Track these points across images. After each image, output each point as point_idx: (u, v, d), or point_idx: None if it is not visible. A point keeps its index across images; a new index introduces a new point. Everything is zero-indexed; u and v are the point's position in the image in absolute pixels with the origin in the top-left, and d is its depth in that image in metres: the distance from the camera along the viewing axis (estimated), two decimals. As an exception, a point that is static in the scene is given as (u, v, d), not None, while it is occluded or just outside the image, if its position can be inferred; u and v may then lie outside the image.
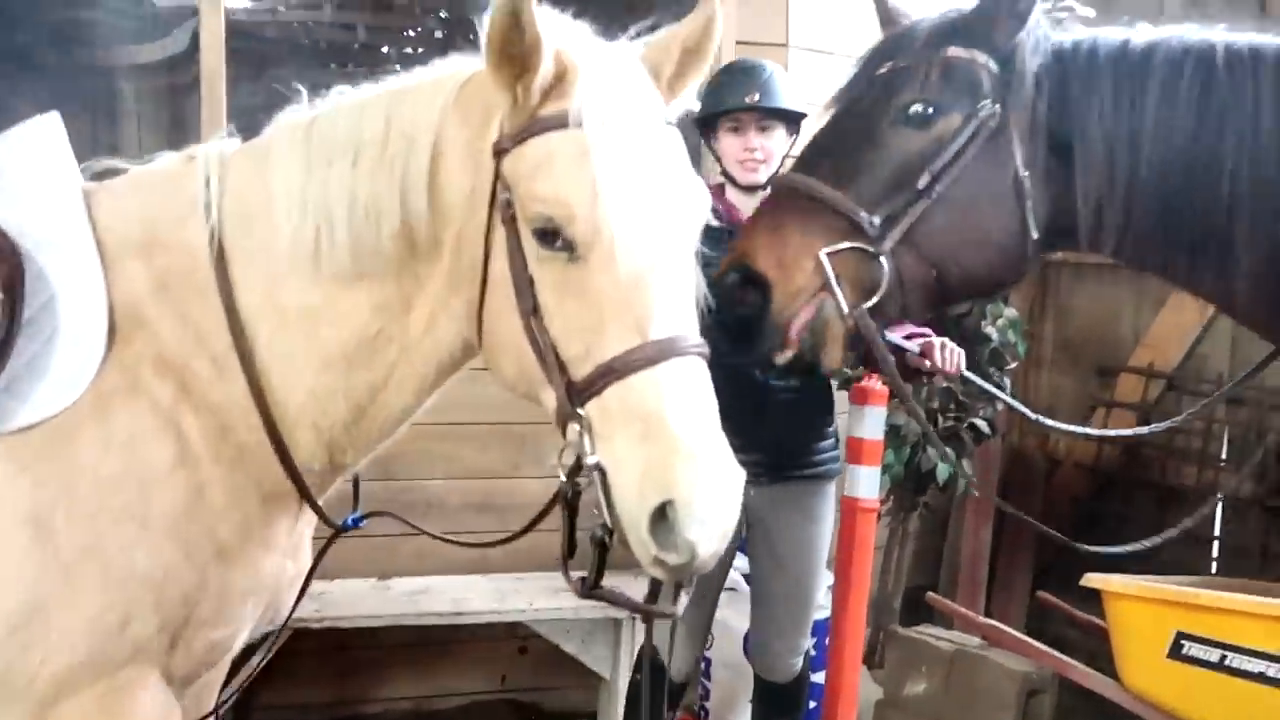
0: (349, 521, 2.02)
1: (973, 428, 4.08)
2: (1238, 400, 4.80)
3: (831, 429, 3.29)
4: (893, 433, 4.05)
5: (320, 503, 1.91)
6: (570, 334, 1.48)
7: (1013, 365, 3.95)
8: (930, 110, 1.96)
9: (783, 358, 1.99)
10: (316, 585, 4.44)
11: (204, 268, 1.74)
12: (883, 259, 1.93)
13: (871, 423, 3.48)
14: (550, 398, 1.52)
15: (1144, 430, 3.07)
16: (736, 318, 1.96)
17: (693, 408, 1.41)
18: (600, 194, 1.47)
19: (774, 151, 2.93)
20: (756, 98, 2.85)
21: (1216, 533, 4.95)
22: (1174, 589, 3.29)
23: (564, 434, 1.49)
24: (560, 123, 1.52)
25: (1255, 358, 2.20)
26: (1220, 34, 1.97)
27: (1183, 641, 3.20)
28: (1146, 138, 1.93)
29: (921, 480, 4.08)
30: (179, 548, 1.66)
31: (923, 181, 1.93)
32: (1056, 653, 3.76)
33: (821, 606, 4.01)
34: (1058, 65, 2.00)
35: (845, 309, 1.93)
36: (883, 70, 2.04)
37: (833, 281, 1.91)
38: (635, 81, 1.59)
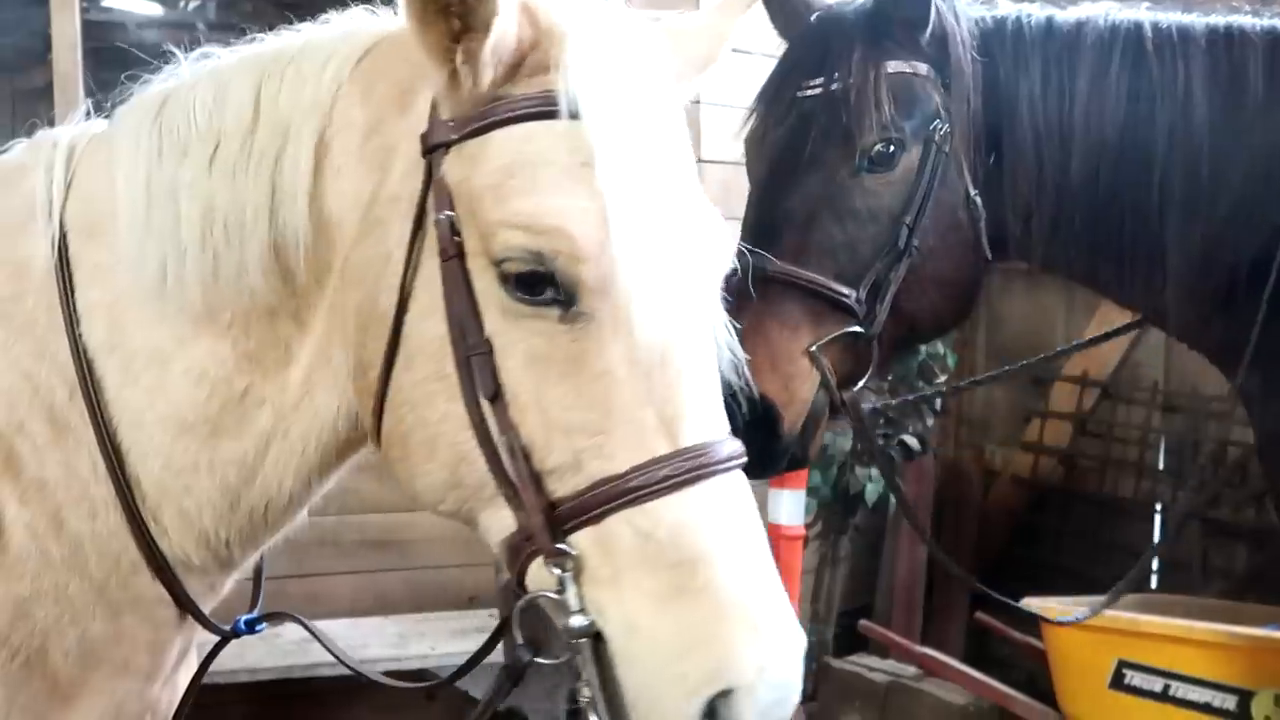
0: (241, 625, 1.57)
1: (902, 444, 3.88)
2: (1173, 409, 4.69)
3: None
4: (819, 453, 3.83)
5: (212, 603, 1.44)
6: (553, 433, 1.05)
7: (942, 378, 3.77)
8: (891, 149, 1.73)
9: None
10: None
11: (40, 291, 1.31)
12: (874, 341, 1.74)
13: (794, 444, 3.26)
14: (500, 521, 1.09)
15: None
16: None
17: (748, 550, 1.03)
18: (614, 223, 1.02)
19: None
20: None
21: (1154, 545, 4.82)
22: (1113, 616, 3.11)
23: (520, 580, 1.07)
24: (542, 108, 1.06)
25: (1188, 364, 2.03)
26: (1145, 13, 1.83)
27: (1125, 670, 3.04)
28: (1076, 132, 1.78)
29: (850, 502, 3.87)
30: None
31: (901, 240, 1.73)
32: (996, 683, 3.60)
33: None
34: (985, 52, 1.82)
35: (839, 399, 1.74)
36: (811, 90, 1.77)
37: (830, 380, 1.70)
38: (651, 60, 1.13)
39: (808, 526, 4.01)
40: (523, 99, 1.08)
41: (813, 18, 1.88)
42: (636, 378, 1.05)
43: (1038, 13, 1.85)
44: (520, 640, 1.10)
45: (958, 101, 1.76)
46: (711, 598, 1.00)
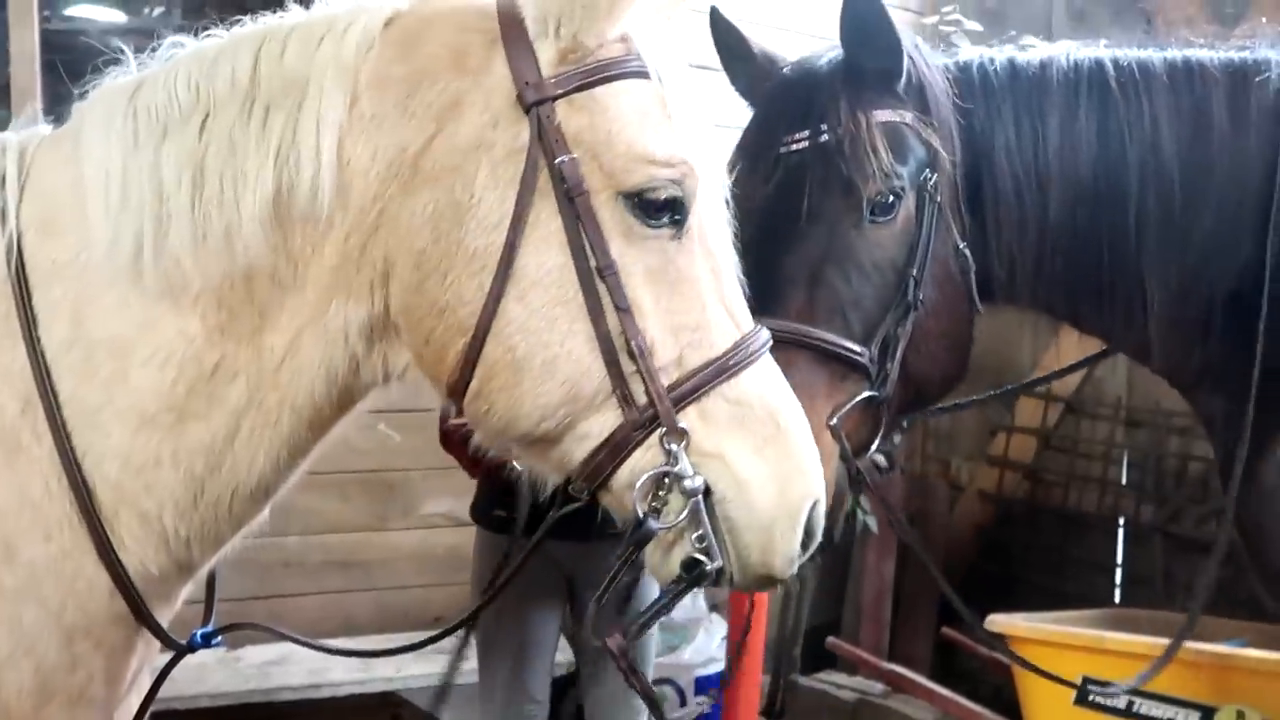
0: (198, 639, 1.54)
1: (872, 464, 3.88)
2: (1136, 424, 4.74)
3: None
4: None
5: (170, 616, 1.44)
6: (666, 333, 1.24)
7: (963, 401, 3.76)
8: (890, 199, 1.69)
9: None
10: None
11: None
12: (884, 402, 1.67)
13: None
14: (603, 424, 1.24)
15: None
16: None
17: (792, 400, 1.31)
18: (700, 157, 1.27)
19: None
20: None
21: (1118, 560, 4.87)
22: (1079, 633, 3.13)
23: (615, 466, 1.25)
24: (635, 69, 1.27)
25: (1151, 380, 2.05)
26: (1104, 50, 1.84)
27: (1090, 687, 3.04)
28: (1053, 175, 1.78)
29: (818, 519, 3.86)
30: None
31: (910, 292, 1.68)
32: (962, 700, 3.61)
33: (714, 659, 3.79)
34: (957, 95, 1.81)
35: (855, 470, 1.67)
36: (797, 144, 1.72)
37: (849, 453, 1.63)
38: (678, 32, 1.37)
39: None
40: (619, 61, 1.26)
41: (785, 69, 1.84)
42: (712, 279, 1.28)
43: (999, 56, 1.84)
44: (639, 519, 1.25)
45: (941, 150, 1.74)
46: (787, 441, 1.26)
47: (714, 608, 4.07)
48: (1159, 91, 1.76)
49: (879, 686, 3.90)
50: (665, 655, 3.75)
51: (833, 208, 1.68)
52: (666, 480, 1.23)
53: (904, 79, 1.75)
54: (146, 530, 1.33)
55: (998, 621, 3.29)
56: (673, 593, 1.29)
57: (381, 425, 3.79)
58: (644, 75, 1.27)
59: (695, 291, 1.27)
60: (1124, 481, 4.81)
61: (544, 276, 1.23)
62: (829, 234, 1.68)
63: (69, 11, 6.48)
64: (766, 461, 1.25)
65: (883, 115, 1.72)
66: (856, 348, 1.64)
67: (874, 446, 1.69)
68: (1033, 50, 1.86)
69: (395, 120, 1.26)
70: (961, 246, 1.75)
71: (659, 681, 3.74)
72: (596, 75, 1.25)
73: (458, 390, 1.29)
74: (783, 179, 1.70)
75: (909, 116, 1.74)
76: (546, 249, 1.23)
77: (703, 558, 1.24)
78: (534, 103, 1.23)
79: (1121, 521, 4.81)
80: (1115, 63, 1.79)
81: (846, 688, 3.93)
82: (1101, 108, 1.76)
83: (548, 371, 1.23)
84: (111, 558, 1.31)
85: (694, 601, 4.12)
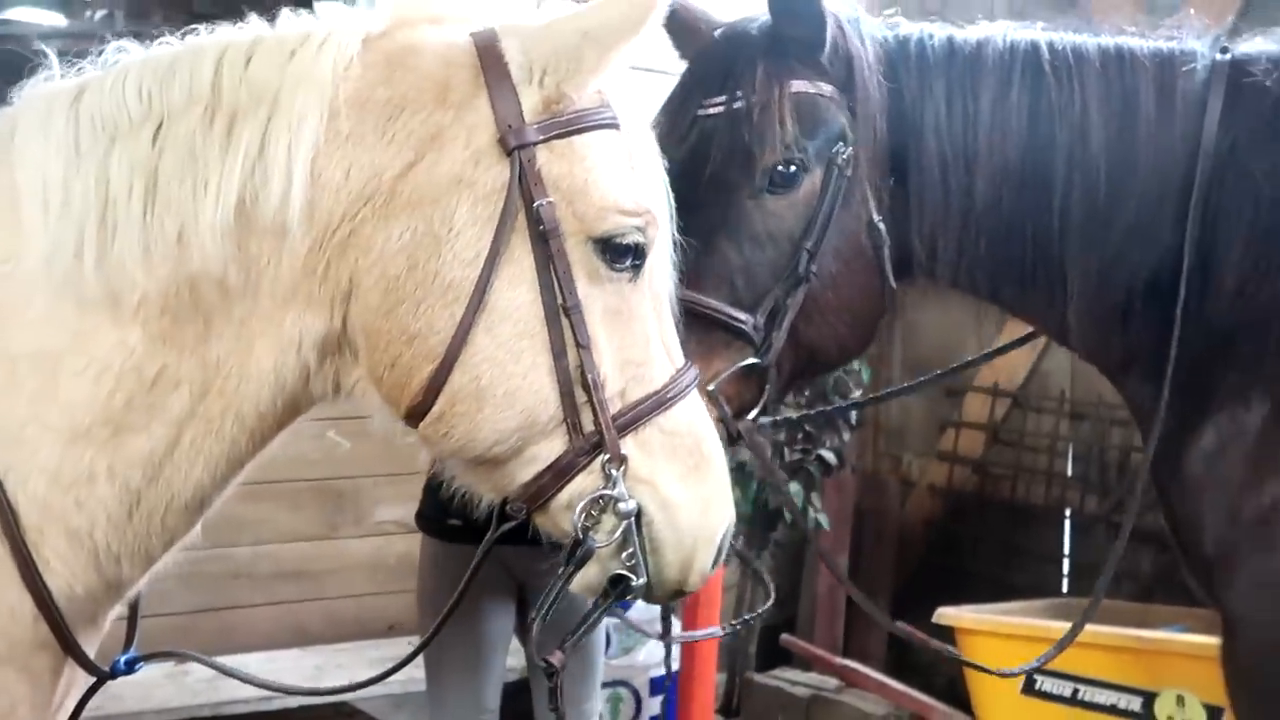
0: (120, 665, 1.50)
1: (820, 460, 3.92)
2: (1080, 416, 4.83)
3: None
4: (738, 470, 3.85)
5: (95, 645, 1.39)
6: (615, 368, 1.33)
7: (857, 393, 3.82)
8: (792, 169, 1.70)
9: None
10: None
11: None
12: (771, 369, 1.72)
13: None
14: (550, 449, 1.32)
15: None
16: None
17: (714, 431, 1.42)
18: (659, 205, 1.36)
19: None
20: None
21: (1066, 551, 4.95)
22: (1024, 623, 3.19)
23: (558, 489, 1.33)
24: (608, 121, 1.33)
25: (1094, 373, 2.09)
26: (1041, 33, 1.83)
27: (1036, 677, 3.10)
28: (980, 155, 1.78)
29: (770, 518, 3.90)
30: None
31: (801, 265, 1.70)
32: (915, 692, 3.65)
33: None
34: (890, 74, 1.80)
35: (735, 431, 1.72)
36: (713, 108, 1.74)
37: (727, 415, 1.68)
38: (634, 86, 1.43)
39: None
40: (594, 111, 1.33)
41: (716, 34, 1.84)
42: (655, 318, 1.37)
43: (939, 32, 1.85)
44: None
45: (863, 124, 1.74)
46: (709, 469, 1.37)
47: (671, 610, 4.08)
48: (1091, 77, 1.76)
49: (833, 682, 3.94)
50: (620, 658, 3.76)
51: (734, 175, 1.70)
52: (602, 502, 1.32)
53: (829, 49, 1.75)
54: (75, 548, 1.30)
55: (946, 614, 3.34)
56: (602, 607, 1.38)
57: (331, 433, 3.75)
58: (615, 126, 1.34)
59: (642, 329, 1.35)
60: (1069, 474, 4.89)
61: (513, 311, 1.28)
62: (727, 201, 1.70)
63: (6, 15, 6.33)
64: (690, 487, 1.36)
65: (798, 85, 1.73)
66: (741, 315, 1.67)
67: (755, 411, 1.73)
68: (972, 29, 1.85)
69: (373, 142, 1.28)
70: (876, 220, 1.75)
71: (614, 684, 3.74)
72: (575, 125, 1.31)
73: (418, 414, 1.32)
74: (695, 143, 1.72)
75: (827, 88, 1.75)
76: (517, 285, 1.29)
77: (629, 574, 1.34)
78: (517, 146, 1.28)
79: (1068, 513, 4.89)
80: (1051, 46, 1.79)
81: (800, 684, 3.96)
82: (1034, 91, 1.76)
83: (509, 400, 1.30)
84: (36, 581, 1.28)
85: (650, 603, 4.13)
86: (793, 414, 3.27)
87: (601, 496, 1.31)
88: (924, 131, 1.77)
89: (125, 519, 1.31)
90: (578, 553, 1.33)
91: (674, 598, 1.42)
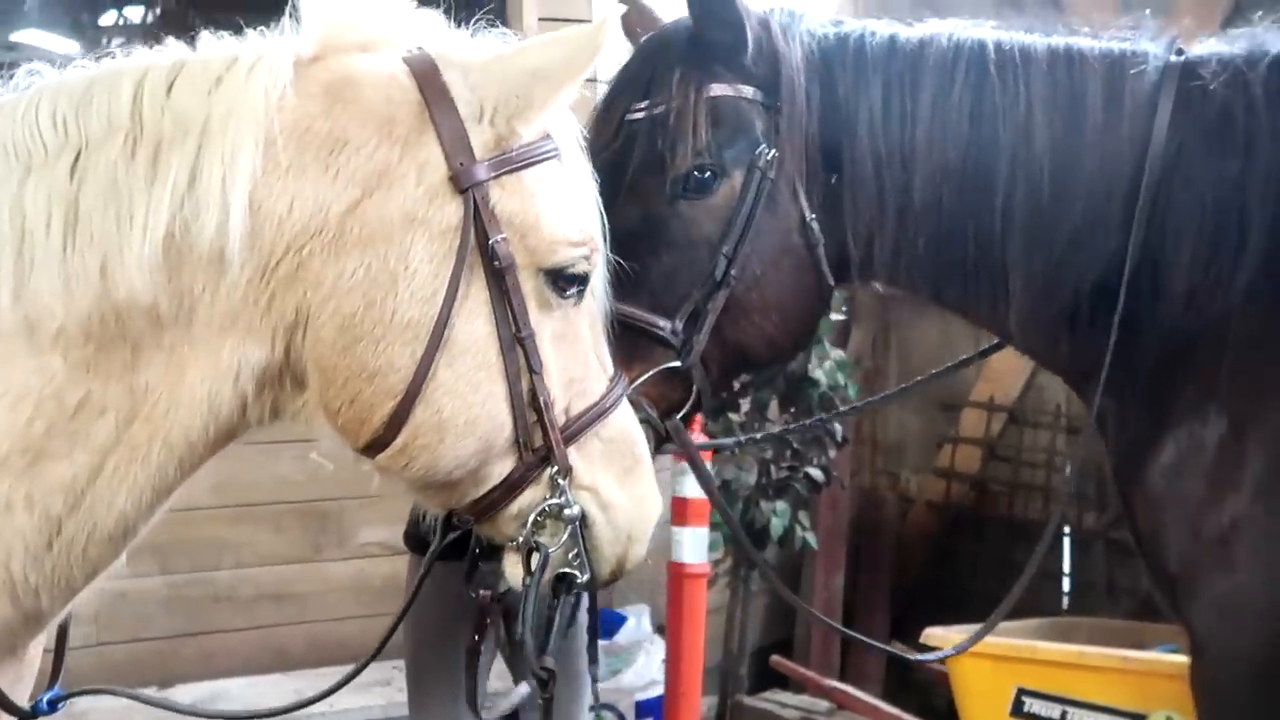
0: (44, 704, 1.44)
1: (808, 477, 3.87)
2: (1077, 430, 4.76)
3: None
4: (723, 488, 3.80)
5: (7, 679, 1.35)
6: (560, 387, 1.39)
7: (843, 409, 3.76)
8: (708, 174, 1.70)
9: None
10: (79, 703, 3.85)
11: None
12: (692, 371, 1.72)
13: (693, 479, 3.21)
14: (503, 466, 1.38)
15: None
16: None
17: (642, 433, 1.52)
18: (598, 233, 1.43)
19: None
20: None
21: (1066, 568, 4.88)
22: (1011, 644, 3.12)
23: (508, 502, 1.40)
24: (552, 155, 1.38)
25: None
26: (989, 31, 1.80)
27: (1024, 698, 3.05)
28: (918, 155, 1.74)
29: (757, 536, 3.84)
30: None
31: (719, 270, 1.69)
32: (907, 716, 3.58)
33: (655, 682, 3.75)
34: (825, 71, 1.77)
35: (664, 430, 1.73)
36: (637, 114, 1.74)
37: (651, 416, 1.69)
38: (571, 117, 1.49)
39: (715, 564, 3.98)
40: (539, 144, 1.36)
41: (644, 37, 1.84)
42: (591, 334, 1.44)
43: (882, 30, 1.81)
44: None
45: (789, 125, 1.72)
46: (642, 472, 1.47)
47: (658, 629, 4.03)
48: (1037, 77, 1.73)
49: (825, 705, 3.88)
50: (606, 679, 3.70)
51: (650, 182, 1.70)
52: (550, 510, 1.40)
53: (753, 51, 1.73)
54: None
55: (934, 634, 3.27)
56: (560, 605, 1.49)
57: (314, 454, 3.72)
58: (557, 157, 1.39)
59: (582, 348, 1.43)
60: (1067, 489, 4.82)
61: (472, 344, 1.32)
62: (646, 207, 1.70)
63: (14, 38, 6.36)
64: (626, 488, 1.46)
65: (718, 89, 1.72)
66: (661, 322, 1.68)
67: (683, 412, 1.76)
68: (919, 27, 1.82)
69: (316, 175, 1.27)
70: (809, 219, 1.73)
71: (601, 707, 3.69)
72: (524, 160, 1.34)
73: (378, 446, 1.33)
74: (620, 148, 1.72)
75: (748, 90, 1.73)
76: (474, 319, 1.32)
77: (574, 572, 1.43)
78: (471, 185, 1.30)
79: (1067, 529, 4.82)
80: (998, 45, 1.76)
81: (791, 706, 3.90)
82: (977, 89, 1.73)
83: (469, 428, 1.34)
84: None
85: (638, 624, 4.08)
86: (775, 429, 3.23)
87: (549, 505, 1.39)
88: (857, 129, 1.74)
89: (44, 549, 1.28)
90: (534, 560, 1.41)
91: (608, 585, 1.53)
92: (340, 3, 1.36)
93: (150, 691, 3.70)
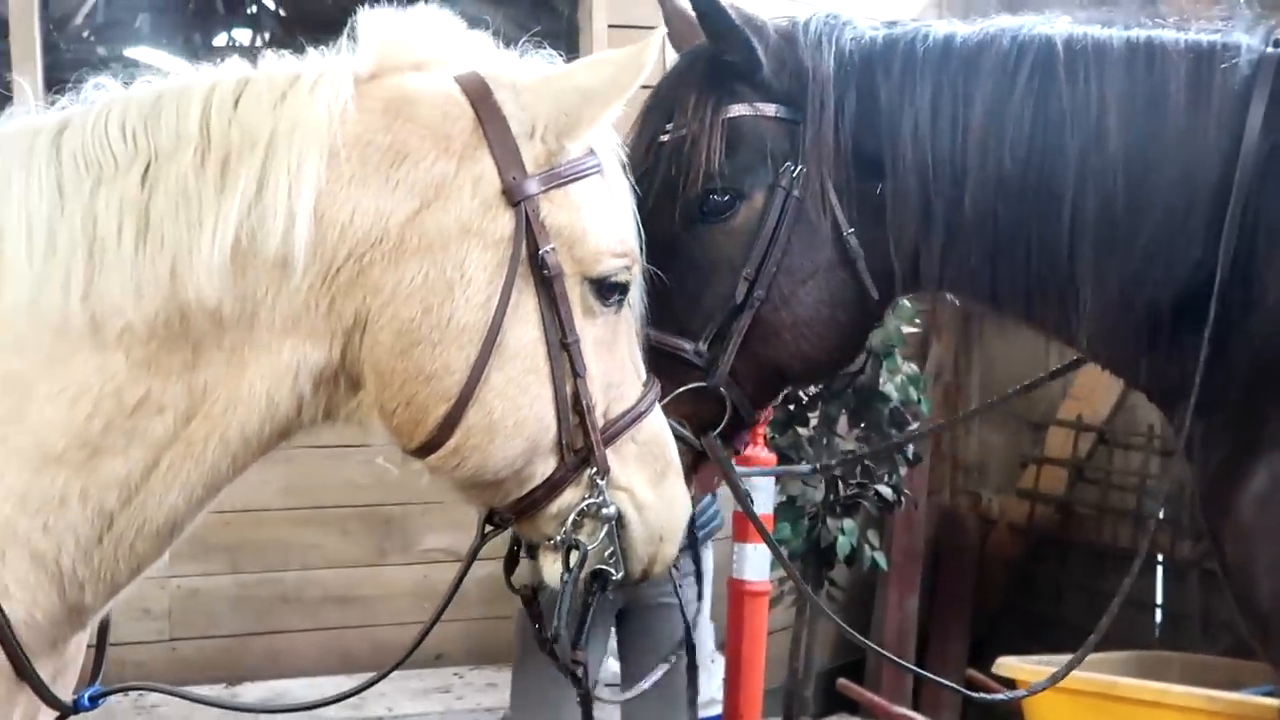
0: (85, 701, 1.45)
1: (878, 495, 3.73)
2: (1171, 453, 4.51)
3: None
4: (788, 504, 3.69)
5: (53, 669, 1.36)
6: (600, 391, 1.44)
7: (914, 425, 3.62)
8: (726, 198, 1.67)
9: None
10: (149, 697, 3.93)
11: None
12: (721, 389, 1.71)
13: (760, 495, 3.13)
14: (546, 466, 1.43)
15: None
16: None
17: (673, 437, 1.55)
18: (636, 246, 1.48)
19: None
20: None
21: (1159, 599, 4.63)
22: (1091, 678, 2.95)
23: (549, 501, 1.45)
24: (596, 169, 1.44)
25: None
26: (1063, 25, 1.67)
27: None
28: (970, 165, 1.64)
29: (823, 554, 3.72)
30: None
31: (740, 293, 1.66)
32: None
33: (715, 701, 3.65)
34: (866, 77, 1.69)
35: (699, 446, 1.73)
36: (665, 137, 1.70)
37: (685, 433, 1.70)
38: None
39: (780, 582, 3.87)
40: (585, 160, 1.42)
41: (679, 57, 1.78)
42: (628, 341, 1.49)
43: (940, 30, 1.71)
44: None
45: (816, 139, 1.66)
46: (673, 474, 1.52)
47: (720, 647, 3.93)
48: (1112, 75, 1.61)
49: (893, 731, 3.72)
50: (666, 696, 3.63)
51: (672, 205, 1.68)
52: (588, 509, 1.45)
53: (773, 65, 1.67)
54: (38, 573, 1.29)
55: (1006, 664, 3.12)
56: (595, 600, 1.53)
57: (380, 459, 3.75)
58: (601, 172, 1.45)
59: (621, 353, 1.48)
60: (1161, 516, 4.58)
61: (521, 349, 1.38)
62: (668, 231, 1.67)
63: (129, 52, 6.61)
64: (659, 490, 1.50)
65: (736, 110, 1.67)
66: (684, 345, 1.68)
67: (717, 431, 1.74)
68: (984, 23, 1.71)
69: (378, 186, 1.33)
70: (847, 234, 1.67)
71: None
72: (571, 175, 1.41)
73: (431, 448, 1.38)
74: (647, 170, 1.69)
75: (770, 108, 1.67)
76: (524, 325, 1.38)
77: (609, 569, 1.48)
78: (523, 198, 1.37)
79: (1160, 558, 4.57)
80: (1068, 41, 1.64)
81: (857, 732, 3.76)
82: (1042, 91, 1.62)
83: (517, 430, 1.39)
84: None
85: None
86: (846, 448, 3.12)
87: (588, 505, 1.44)
88: (899, 137, 1.66)
89: (95, 543, 1.30)
90: (573, 558, 1.46)
91: (639, 582, 1.58)
92: (395, 24, 1.42)
93: (218, 689, 3.78)
